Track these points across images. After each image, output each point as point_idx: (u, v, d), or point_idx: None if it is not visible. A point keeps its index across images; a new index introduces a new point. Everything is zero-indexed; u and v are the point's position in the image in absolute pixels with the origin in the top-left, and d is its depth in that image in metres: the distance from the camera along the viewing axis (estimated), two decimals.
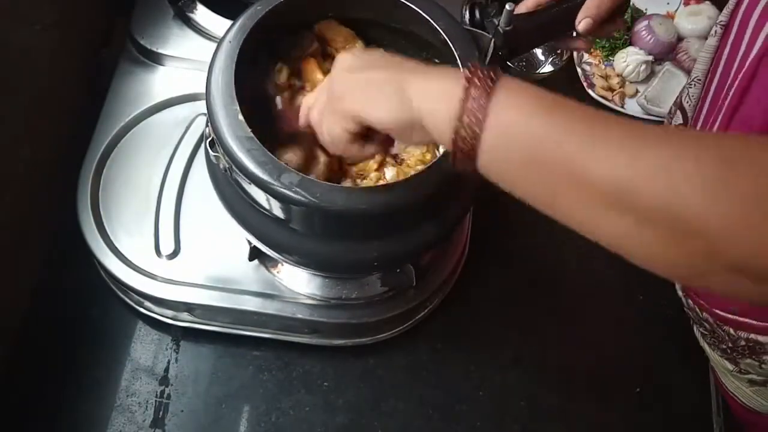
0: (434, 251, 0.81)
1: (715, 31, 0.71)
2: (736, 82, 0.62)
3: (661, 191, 0.34)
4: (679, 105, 0.79)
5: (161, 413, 0.76)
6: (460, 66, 0.62)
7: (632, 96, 1.05)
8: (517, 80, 0.41)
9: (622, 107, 1.04)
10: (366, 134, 0.49)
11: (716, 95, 0.69)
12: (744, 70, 0.61)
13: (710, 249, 0.34)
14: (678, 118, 0.79)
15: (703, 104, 0.72)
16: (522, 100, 0.40)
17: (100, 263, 0.76)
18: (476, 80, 0.40)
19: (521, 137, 0.39)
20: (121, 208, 0.78)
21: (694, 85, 0.75)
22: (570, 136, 0.38)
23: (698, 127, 0.72)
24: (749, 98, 0.61)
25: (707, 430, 0.83)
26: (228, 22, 0.63)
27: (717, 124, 0.65)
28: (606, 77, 1.06)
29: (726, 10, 0.69)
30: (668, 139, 0.36)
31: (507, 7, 0.62)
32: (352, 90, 0.47)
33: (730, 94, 0.63)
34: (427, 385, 0.81)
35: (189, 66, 0.86)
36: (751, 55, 0.61)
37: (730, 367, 0.71)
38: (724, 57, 0.68)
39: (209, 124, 0.59)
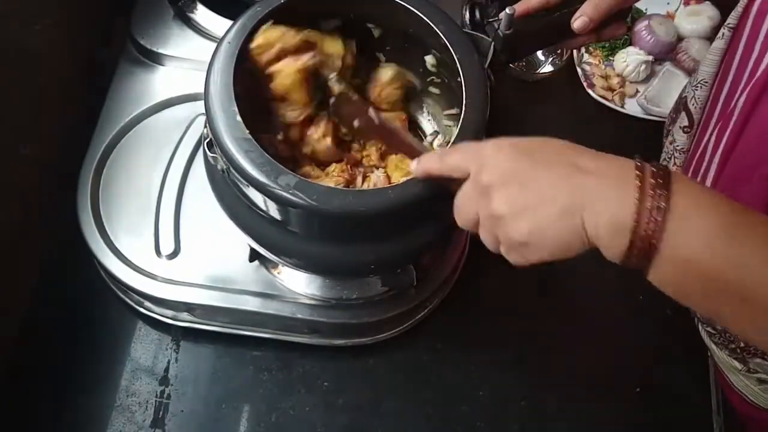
0: (434, 251, 0.81)
1: (723, 34, 0.70)
2: (749, 88, 0.62)
3: None
4: (684, 107, 0.79)
5: (161, 413, 0.76)
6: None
7: (632, 96, 1.05)
8: (691, 190, 0.40)
9: (622, 107, 1.04)
10: None
11: (727, 100, 0.68)
12: (757, 76, 0.61)
13: None
14: (683, 120, 0.79)
15: (714, 109, 0.72)
16: (699, 223, 0.39)
17: (100, 263, 0.76)
18: (648, 199, 0.39)
19: (694, 267, 0.39)
20: (121, 208, 0.78)
21: (701, 87, 0.75)
22: (748, 266, 0.38)
23: (708, 131, 0.72)
24: (763, 105, 0.60)
25: (707, 430, 0.83)
26: (228, 22, 0.63)
27: (729, 129, 0.65)
28: (606, 77, 1.06)
29: (735, 13, 0.69)
30: None
31: (507, 11, 0.62)
32: (533, 237, 0.44)
33: (742, 99, 0.62)
34: (427, 385, 0.81)
35: (189, 66, 0.86)
36: (765, 61, 0.60)
37: (739, 366, 0.71)
38: (736, 61, 0.67)
39: (207, 124, 0.59)
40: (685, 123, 0.79)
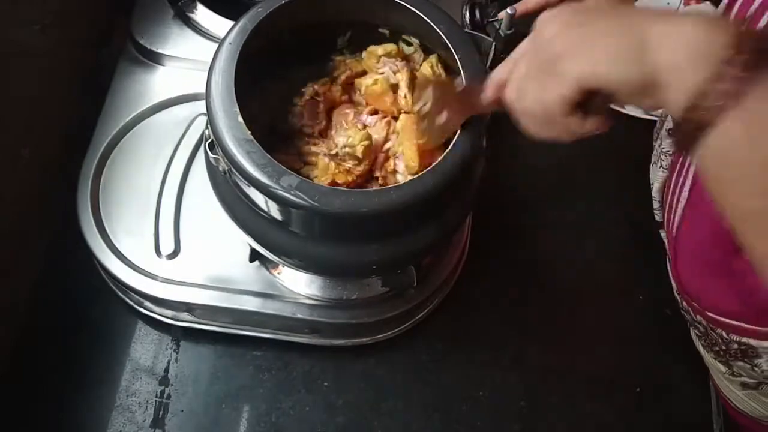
0: (435, 252, 0.81)
1: None
2: None
3: None
4: None
5: (161, 413, 0.76)
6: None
7: None
8: None
9: (622, 107, 1.03)
10: (584, 103, 0.39)
11: None
12: None
13: None
14: (669, 122, 0.79)
15: None
16: None
17: (100, 263, 0.76)
18: (746, 39, 0.31)
19: None
20: (121, 208, 0.78)
21: None
22: None
23: None
24: None
25: (707, 430, 0.83)
26: (228, 23, 0.63)
27: None
28: None
29: (719, 11, 0.69)
30: None
31: (508, 11, 0.62)
32: (576, 46, 0.37)
33: None
34: (427, 385, 0.81)
35: (189, 66, 0.86)
36: None
37: (723, 369, 0.71)
38: None
39: (209, 125, 0.59)
40: (671, 125, 0.79)
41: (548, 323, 0.87)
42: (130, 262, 0.75)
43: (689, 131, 0.32)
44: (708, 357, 0.73)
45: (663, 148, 0.79)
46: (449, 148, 0.58)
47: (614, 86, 0.36)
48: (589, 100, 0.38)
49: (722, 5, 0.68)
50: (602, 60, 0.35)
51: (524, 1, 0.65)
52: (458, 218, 0.67)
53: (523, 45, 0.43)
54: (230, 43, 0.60)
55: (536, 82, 0.39)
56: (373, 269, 0.67)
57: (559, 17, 0.39)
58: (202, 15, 0.88)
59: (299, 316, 0.75)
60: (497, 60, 0.65)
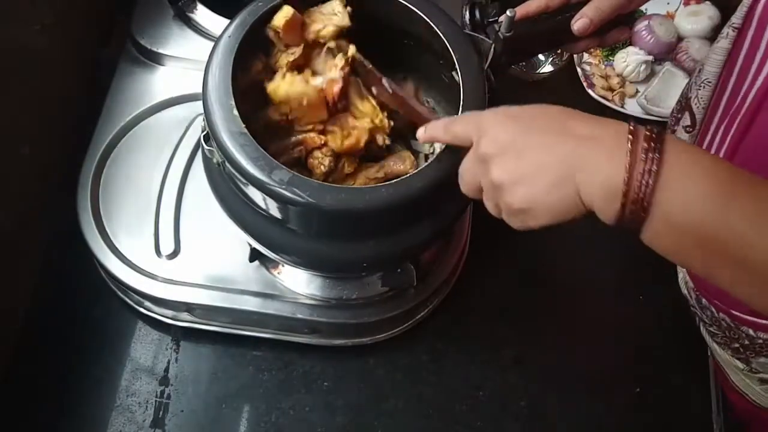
0: (434, 251, 0.81)
1: (727, 33, 0.70)
2: (755, 87, 0.61)
3: None
4: (687, 107, 0.79)
5: (161, 413, 0.76)
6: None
7: (632, 96, 1.05)
8: (684, 153, 0.40)
9: (622, 107, 1.04)
10: None
11: (731, 100, 0.68)
12: (763, 75, 0.60)
13: None
14: (686, 120, 0.79)
15: (716, 109, 0.71)
16: (691, 186, 0.39)
17: (100, 263, 0.76)
18: (640, 163, 0.39)
19: (687, 230, 0.39)
20: (121, 208, 0.78)
21: (704, 87, 0.74)
22: (739, 227, 0.38)
23: (710, 132, 0.71)
24: (766, 111, 0.60)
25: (707, 430, 0.83)
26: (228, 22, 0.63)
27: (733, 129, 0.65)
28: (606, 77, 1.06)
29: (739, 12, 0.69)
30: None
31: (508, 13, 0.62)
32: (532, 204, 0.45)
33: (749, 99, 0.62)
34: (427, 385, 0.81)
35: (189, 66, 0.86)
36: None
37: (741, 366, 0.71)
38: (740, 61, 0.67)
39: (204, 118, 0.59)
40: (688, 123, 0.79)
41: (548, 323, 0.87)
42: (130, 262, 0.76)
43: (630, 229, 0.41)
44: (724, 354, 0.73)
45: None
46: (443, 147, 0.58)
47: (561, 218, 0.45)
48: None
49: (742, 11, 0.68)
50: (557, 218, 0.45)
51: (525, 4, 0.65)
52: (454, 214, 0.66)
53: (471, 155, 0.51)
54: (229, 37, 0.60)
55: (512, 218, 0.49)
56: (367, 266, 0.67)
57: (499, 134, 0.47)
58: (202, 15, 0.88)
59: (299, 316, 0.75)
60: (496, 61, 0.65)
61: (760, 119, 0.61)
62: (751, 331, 0.67)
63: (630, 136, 0.41)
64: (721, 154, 0.67)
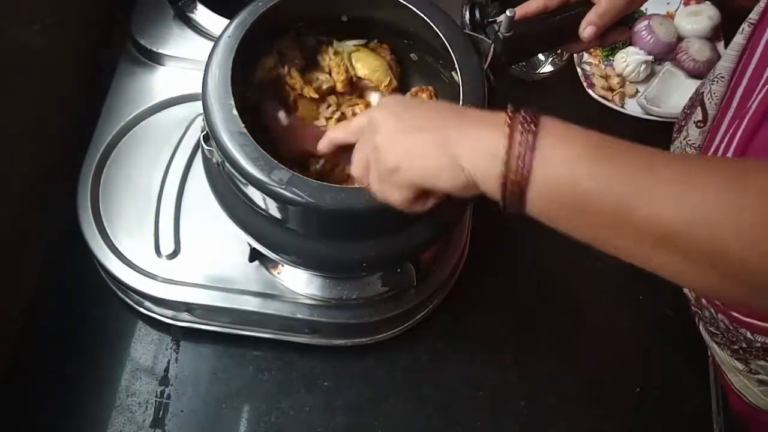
0: (434, 251, 0.81)
1: (743, 29, 0.70)
2: (767, 87, 0.61)
3: (704, 237, 0.36)
4: (699, 102, 0.79)
5: (161, 413, 0.76)
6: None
7: (632, 96, 1.05)
8: (559, 124, 0.42)
9: (622, 107, 1.04)
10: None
11: (744, 96, 0.68)
12: None
13: (756, 283, 0.36)
14: (698, 115, 0.79)
15: (729, 105, 0.71)
16: (565, 150, 0.41)
17: (100, 263, 0.76)
18: (517, 133, 0.41)
19: (567, 191, 0.40)
20: (121, 208, 0.78)
21: (717, 82, 0.74)
22: (615, 185, 0.39)
23: (721, 128, 0.71)
24: None
25: (707, 430, 0.83)
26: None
27: (744, 123, 0.64)
28: (606, 77, 1.06)
29: (758, 8, 0.68)
30: (712, 182, 0.37)
31: (507, 13, 0.62)
32: (405, 160, 0.47)
33: (761, 95, 0.62)
34: (427, 385, 0.81)
35: (189, 66, 0.86)
36: None
37: (740, 366, 0.71)
38: (756, 57, 0.67)
39: (204, 118, 0.59)
40: (699, 118, 0.78)
41: (548, 323, 0.87)
42: (130, 262, 0.76)
43: (513, 204, 0.43)
44: (723, 355, 0.73)
45: (690, 140, 0.79)
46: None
47: (444, 190, 0.46)
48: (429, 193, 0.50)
49: (760, 7, 0.68)
50: (433, 176, 0.46)
51: (525, 4, 0.65)
52: (453, 216, 0.66)
53: (362, 143, 0.52)
54: (229, 37, 0.60)
55: (385, 185, 0.50)
56: (366, 266, 0.67)
57: (388, 121, 0.49)
58: (202, 15, 0.88)
59: (299, 316, 0.75)
60: (495, 61, 0.65)
61: None
62: (748, 334, 0.67)
63: (509, 115, 0.43)
64: (731, 150, 0.66)
